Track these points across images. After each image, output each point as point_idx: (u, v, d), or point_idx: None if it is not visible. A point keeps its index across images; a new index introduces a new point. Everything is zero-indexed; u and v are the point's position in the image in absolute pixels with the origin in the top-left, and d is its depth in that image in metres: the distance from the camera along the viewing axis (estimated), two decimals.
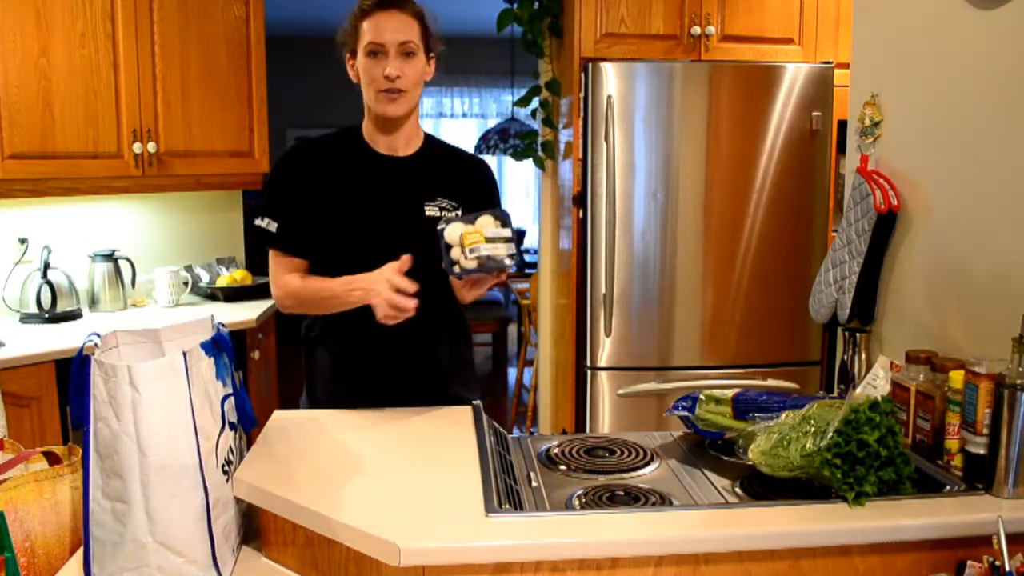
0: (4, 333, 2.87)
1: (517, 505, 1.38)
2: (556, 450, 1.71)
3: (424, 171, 1.90)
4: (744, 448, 1.52)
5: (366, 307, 1.68)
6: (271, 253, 1.88)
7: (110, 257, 3.36)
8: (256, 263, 3.84)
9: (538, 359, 4.06)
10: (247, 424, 1.51)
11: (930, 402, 1.50)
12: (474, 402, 1.80)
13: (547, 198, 3.87)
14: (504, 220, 1.68)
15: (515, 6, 3.58)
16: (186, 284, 3.53)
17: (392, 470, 1.48)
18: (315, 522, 1.29)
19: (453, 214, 1.85)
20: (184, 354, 1.31)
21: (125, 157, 3.16)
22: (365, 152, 1.89)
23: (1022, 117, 1.47)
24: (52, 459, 1.49)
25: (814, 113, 3.19)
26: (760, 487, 1.49)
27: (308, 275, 1.86)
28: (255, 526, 1.46)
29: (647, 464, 1.64)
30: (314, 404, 1.93)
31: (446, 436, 1.64)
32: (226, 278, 3.65)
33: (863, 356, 1.84)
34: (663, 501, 1.44)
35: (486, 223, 1.67)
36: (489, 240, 1.64)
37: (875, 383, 1.72)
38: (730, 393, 1.71)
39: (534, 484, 1.53)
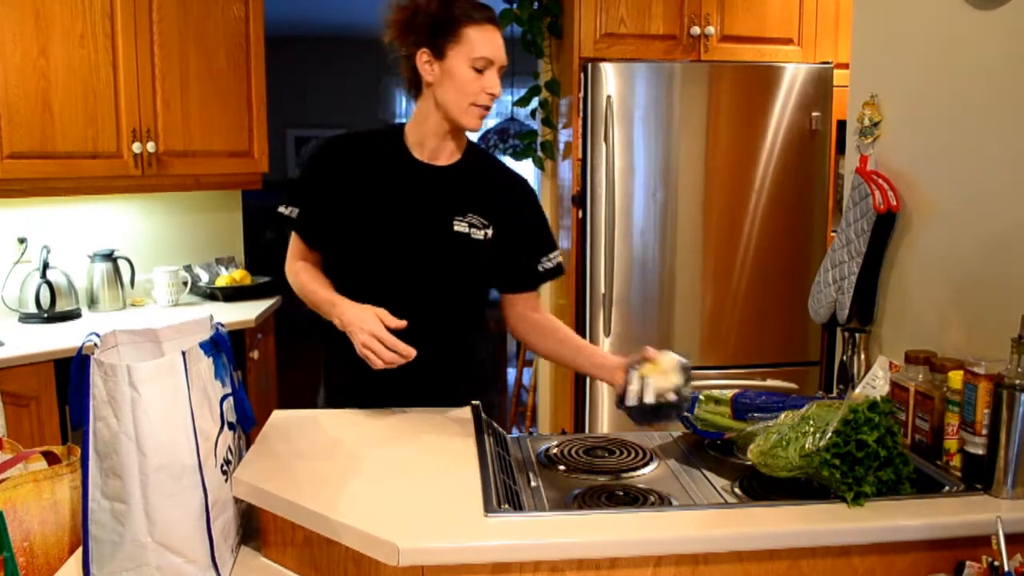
0: (3, 333, 2.87)
1: (516, 505, 1.38)
2: (555, 450, 1.71)
3: (460, 184, 1.83)
4: (743, 448, 1.52)
5: (399, 300, 1.68)
6: (292, 234, 1.87)
7: (109, 257, 3.35)
8: (255, 263, 3.85)
9: (537, 360, 4.06)
10: (246, 424, 1.51)
11: (929, 402, 1.50)
12: (473, 402, 1.79)
13: (546, 198, 3.87)
14: (687, 372, 1.61)
15: (515, 6, 3.58)
16: (185, 284, 3.53)
17: (391, 470, 1.48)
18: (314, 522, 1.29)
19: (482, 233, 1.80)
20: (183, 354, 1.31)
21: (124, 157, 3.16)
22: (403, 157, 1.82)
23: (1020, 117, 1.47)
24: (51, 459, 1.49)
25: (813, 113, 3.19)
26: (759, 487, 1.49)
27: (316, 270, 1.84)
28: (254, 526, 1.46)
29: (646, 464, 1.64)
30: (331, 397, 1.93)
31: (445, 436, 1.64)
32: (225, 278, 3.65)
33: (862, 356, 1.84)
34: (662, 501, 1.44)
35: (671, 365, 1.59)
36: (667, 383, 1.59)
37: (874, 383, 1.72)
38: (729, 393, 1.71)
39: (533, 484, 1.53)
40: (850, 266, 1.87)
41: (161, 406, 1.27)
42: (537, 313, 1.91)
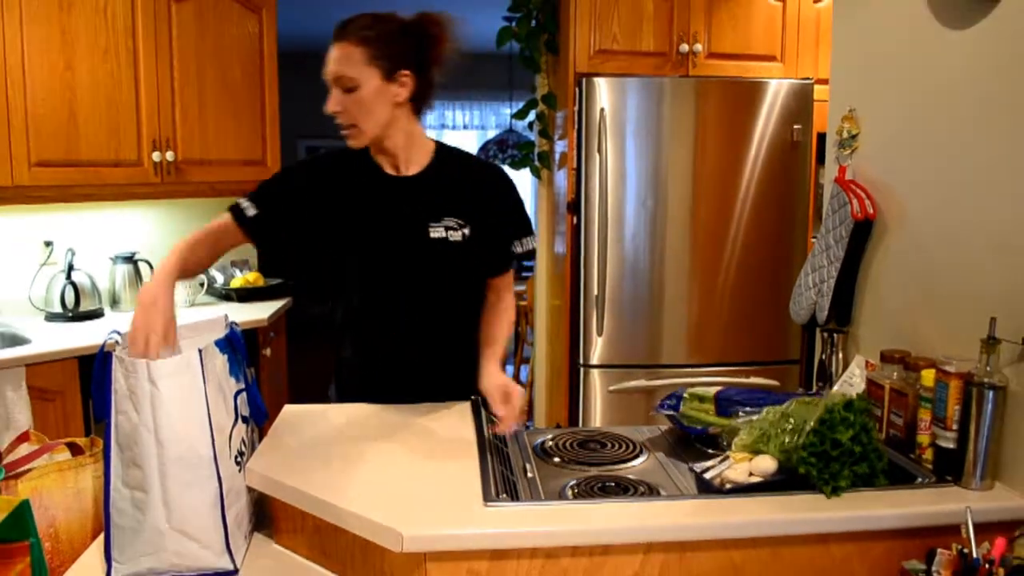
0: (30, 331, 2.87)
1: (514, 495, 1.38)
2: (551, 443, 1.71)
3: (430, 190, 1.76)
4: (728, 441, 1.52)
5: (390, 309, 1.67)
6: (227, 218, 1.73)
7: (130, 259, 3.35)
8: (268, 266, 3.85)
9: (534, 357, 4.06)
10: (259, 418, 1.51)
11: (903, 399, 1.50)
12: (473, 397, 1.79)
13: (543, 205, 3.87)
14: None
15: (514, 24, 3.58)
16: (202, 285, 3.53)
17: (396, 461, 1.48)
18: (323, 510, 1.29)
19: (459, 234, 1.75)
20: (200, 351, 1.31)
21: (145, 165, 3.16)
22: (371, 172, 1.77)
23: (990, 130, 1.48)
24: (75, 450, 1.49)
25: (795, 126, 3.20)
26: None
27: (204, 242, 1.68)
28: (266, 514, 1.46)
29: (636, 456, 1.64)
30: (342, 392, 1.91)
31: (446, 429, 1.64)
32: (240, 279, 3.64)
33: (840, 355, 1.84)
34: (651, 491, 1.44)
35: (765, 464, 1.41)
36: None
37: (851, 381, 1.73)
38: (712, 391, 1.71)
39: (530, 475, 1.53)
40: (829, 270, 1.87)
41: (179, 400, 1.27)
42: (497, 294, 1.87)
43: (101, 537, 1.35)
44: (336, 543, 1.32)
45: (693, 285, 3.24)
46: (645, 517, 1.27)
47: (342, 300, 1.86)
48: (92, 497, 1.42)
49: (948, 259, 1.58)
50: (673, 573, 1.25)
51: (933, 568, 1.21)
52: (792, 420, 1.39)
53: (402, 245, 1.75)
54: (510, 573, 1.22)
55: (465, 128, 8.19)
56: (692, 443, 1.71)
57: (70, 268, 3.11)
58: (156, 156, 3.16)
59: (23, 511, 1.17)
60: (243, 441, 1.42)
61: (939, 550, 1.22)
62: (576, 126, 3.23)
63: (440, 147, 1.82)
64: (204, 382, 1.30)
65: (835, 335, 1.86)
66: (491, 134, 7.66)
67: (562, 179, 3.48)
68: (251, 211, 1.73)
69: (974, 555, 1.16)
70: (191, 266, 1.65)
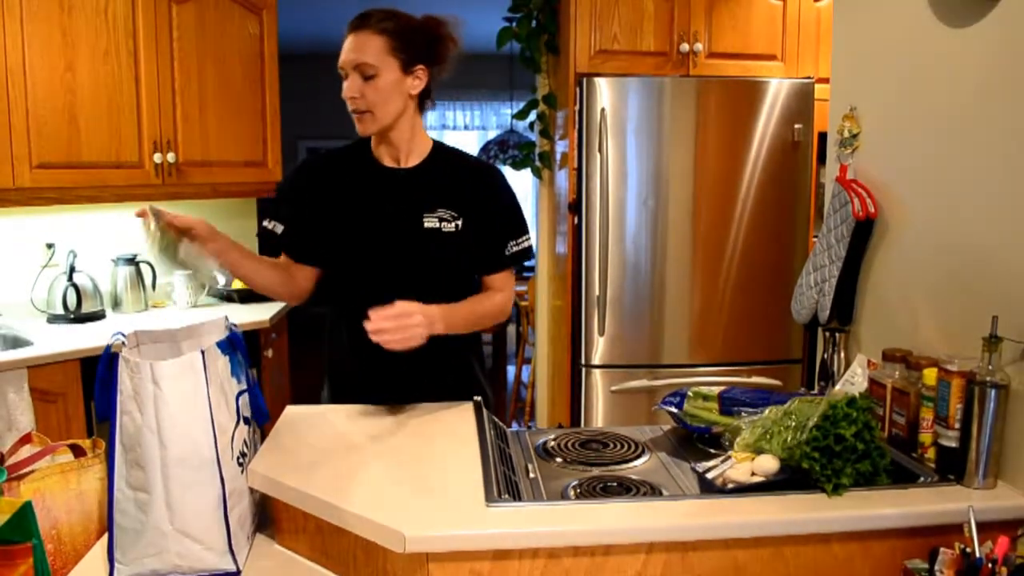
0: (32, 333, 2.87)
1: (516, 495, 1.38)
2: (552, 443, 1.71)
3: (426, 182, 1.82)
4: (730, 441, 1.52)
5: (383, 301, 1.67)
6: (282, 256, 1.88)
7: (132, 261, 3.36)
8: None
9: (536, 357, 4.06)
10: (260, 419, 1.51)
11: (905, 398, 1.50)
12: (475, 398, 1.79)
13: (544, 205, 3.87)
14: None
15: (514, 24, 3.58)
16: (203, 287, 3.53)
17: (397, 462, 1.48)
18: (325, 511, 1.29)
19: (452, 225, 1.80)
20: (202, 352, 1.31)
21: (146, 167, 3.16)
22: (370, 165, 1.85)
23: (991, 128, 1.48)
24: (77, 452, 1.49)
25: (796, 125, 3.19)
26: None
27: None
28: (269, 515, 1.46)
29: (638, 456, 1.64)
30: (334, 394, 1.92)
31: (448, 430, 1.64)
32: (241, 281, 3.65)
33: (842, 355, 1.84)
34: (653, 491, 1.44)
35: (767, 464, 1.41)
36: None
37: (853, 380, 1.73)
38: (716, 390, 1.71)
39: (532, 475, 1.53)
40: (830, 269, 1.87)
41: (181, 401, 1.28)
42: (491, 291, 1.88)
43: (104, 538, 1.35)
44: (338, 544, 1.32)
45: (694, 285, 3.24)
46: (647, 517, 1.27)
47: (336, 296, 1.88)
48: (95, 499, 1.42)
49: (949, 258, 1.58)
50: (675, 573, 1.25)
51: (936, 567, 1.21)
52: (795, 418, 1.39)
53: (397, 234, 1.80)
54: (512, 573, 1.22)
55: (466, 128, 8.20)
56: (694, 443, 1.71)
57: (72, 270, 3.12)
58: (157, 157, 3.16)
59: (26, 513, 1.17)
60: (245, 442, 1.42)
61: (942, 549, 1.22)
62: (577, 126, 3.23)
63: (438, 144, 1.89)
64: (207, 383, 1.30)
65: (837, 334, 1.86)
66: (492, 134, 7.67)
67: (563, 179, 3.48)
68: (278, 229, 1.84)
69: (977, 554, 1.16)
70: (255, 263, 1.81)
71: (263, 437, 1.58)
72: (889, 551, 1.29)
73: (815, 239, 2.01)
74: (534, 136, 3.79)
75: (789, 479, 1.36)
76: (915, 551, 1.28)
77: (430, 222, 1.80)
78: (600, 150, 3.13)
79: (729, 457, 1.44)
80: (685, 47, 3.28)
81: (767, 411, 1.48)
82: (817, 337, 2.00)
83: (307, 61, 6.30)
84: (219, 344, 1.38)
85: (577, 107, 3.21)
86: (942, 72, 1.61)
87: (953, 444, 1.40)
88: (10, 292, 3.16)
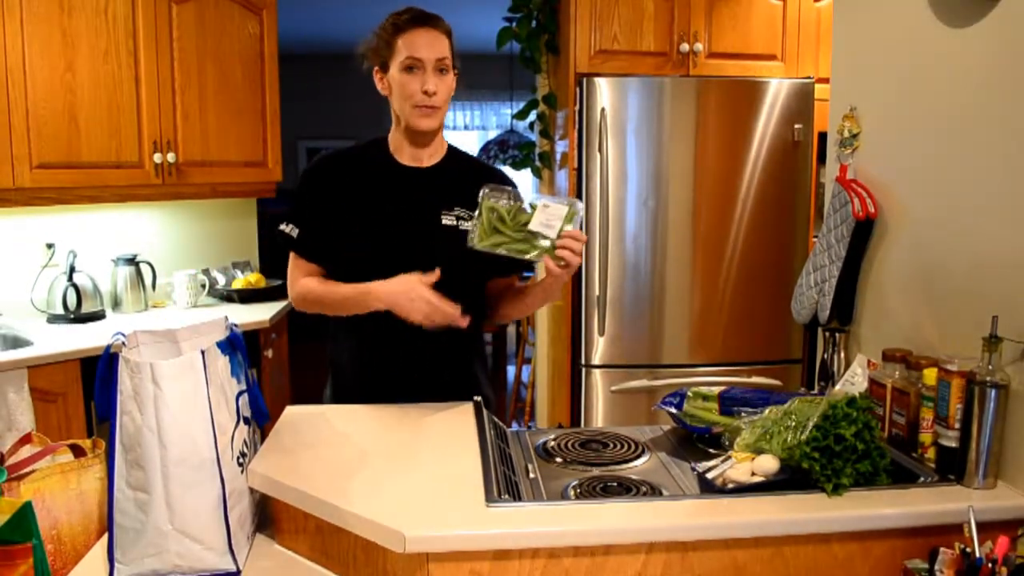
0: (32, 333, 2.87)
1: (516, 495, 1.38)
2: (552, 443, 1.71)
3: (444, 181, 1.86)
4: (730, 441, 1.52)
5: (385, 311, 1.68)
6: (291, 256, 1.88)
7: (132, 261, 3.36)
8: (270, 267, 3.85)
9: (536, 357, 4.06)
10: (260, 419, 1.51)
11: (905, 398, 1.50)
12: (475, 398, 1.79)
13: None
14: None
15: (514, 24, 3.58)
16: (203, 286, 3.53)
17: (397, 462, 1.48)
18: (325, 511, 1.29)
19: (469, 223, 1.79)
20: (202, 353, 1.31)
21: (146, 167, 3.16)
22: (389, 163, 1.86)
23: (991, 129, 1.48)
24: (77, 452, 1.49)
25: (796, 125, 3.19)
26: None
27: (327, 280, 1.84)
28: (269, 515, 1.46)
29: (638, 456, 1.64)
30: (337, 393, 1.92)
31: (448, 430, 1.64)
32: (241, 281, 3.65)
33: (842, 355, 1.84)
34: (653, 491, 1.44)
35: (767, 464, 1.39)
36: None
37: (853, 380, 1.73)
38: (716, 390, 1.71)
39: (532, 475, 1.53)
40: (830, 269, 1.87)
41: (181, 402, 1.28)
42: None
43: (104, 538, 1.35)
44: (338, 544, 1.32)
45: (694, 285, 3.24)
46: (647, 517, 1.27)
47: None
48: (95, 499, 1.42)
49: (949, 257, 1.58)
50: (675, 573, 1.25)
51: (936, 567, 1.21)
52: (795, 418, 1.39)
53: (416, 230, 1.82)
54: (512, 573, 1.22)
55: (466, 128, 8.20)
56: (694, 443, 1.71)
57: (72, 270, 3.12)
58: (157, 158, 3.17)
59: (26, 513, 1.17)
60: (245, 442, 1.42)
61: (942, 549, 1.22)
62: (577, 126, 3.23)
63: (451, 146, 1.94)
64: (207, 383, 1.31)
65: (837, 334, 1.86)
66: (492, 134, 7.67)
67: (563, 179, 3.48)
68: (295, 232, 1.85)
69: (977, 554, 1.16)
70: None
71: (263, 437, 1.58)
72: (889, 551, 1.29)
73: (815, 239, 2.01)
74: (534, 136, 3.79)
75: (789, 479, 1.36)
76: (915, 551, 1.28)
77: (448, 219, 1.83)
78: (600, 150, 3.13)
79: (729, 457, 1.44)
80: (685, 47, 3.28)
81: (767, 411, 1.48)
82: (817, 337, 2.00)
83: (307, 61, 6.30)
84: (219, 344, 1.38)
85: (577, 107, 3.21)
86: (942, 72, 1.61)
87: (953, 444, 1.40)
88: (10, 292, 3.16)
